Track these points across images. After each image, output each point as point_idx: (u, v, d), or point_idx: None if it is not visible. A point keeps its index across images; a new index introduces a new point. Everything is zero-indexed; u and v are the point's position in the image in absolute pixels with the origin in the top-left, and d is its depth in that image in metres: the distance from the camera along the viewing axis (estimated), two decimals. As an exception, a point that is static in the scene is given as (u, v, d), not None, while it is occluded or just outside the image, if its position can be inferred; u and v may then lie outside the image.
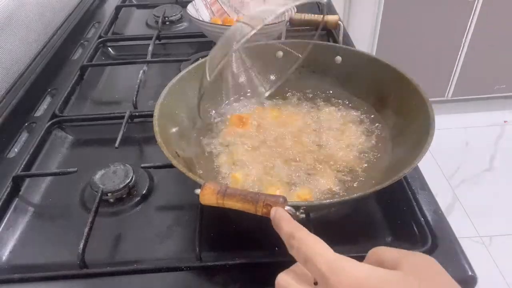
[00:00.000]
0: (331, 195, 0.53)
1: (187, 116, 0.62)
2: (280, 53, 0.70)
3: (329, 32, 0.93)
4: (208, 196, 0.41)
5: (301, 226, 0.35)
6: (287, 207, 0.38)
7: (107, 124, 0.72)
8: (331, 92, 0.69)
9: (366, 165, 0.57)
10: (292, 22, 0.79)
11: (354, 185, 0.54)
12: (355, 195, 0.46)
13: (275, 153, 0.58)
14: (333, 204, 0.45)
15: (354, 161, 0.57)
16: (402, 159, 0.52)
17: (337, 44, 0.77)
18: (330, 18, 0.77)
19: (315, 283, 0.34)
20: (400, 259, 0.32)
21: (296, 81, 0.70)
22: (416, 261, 0.32)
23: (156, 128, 0.52)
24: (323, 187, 0.53)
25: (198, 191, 0.42)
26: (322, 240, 0.33)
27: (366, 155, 0.58)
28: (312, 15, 0.80)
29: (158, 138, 0.51)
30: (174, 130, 0.58)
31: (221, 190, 0.41)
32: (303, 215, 0.40)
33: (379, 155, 0.58)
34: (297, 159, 0.57)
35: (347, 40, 0.91)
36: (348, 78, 0.68)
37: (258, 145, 0.60)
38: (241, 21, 0.51)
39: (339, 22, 0.77)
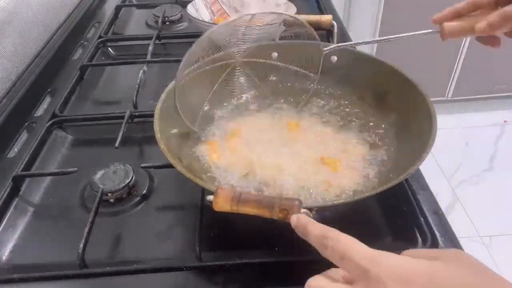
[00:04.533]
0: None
1: (186, 118, 0.61)
2: (275, 54, 0.70)
3: (329, 32, 0.93)
4: (222, 203, 0.40)
5: (331, 228, 0.35)
6: (302, 210, 0.38)
7: (107, 124, 0.72)
8: (328, 91, 0.69)
9: (368, 163, 0.57)
10: (286, 24, 0.79)
11: (360, 183, 0.54)
12: (366, 194, 0.46)
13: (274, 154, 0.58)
14: (343, 205, 0.45)
15: (356, 159, 0.57)
16: (407, 156, 0.52)
17: (331, 44, 0.77)
18: (324, 18, 0.77)
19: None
20: (434, 253, 0.32)
21: (291, 82, 0.70)
22: (450, 253, 0.32)
23: (158, 135, 0.52)
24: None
25: (211, 197, 0.41)
26: (357, 239, 0.33)
27: (368, 153, 0.58)
28: (307, 15, 0.80)
29: (162, 145, 0.50)
30: (174, 134, 0.58)
31: (235, 196, 0.40)
32: (314, 213, 0.40)
33: (382, 152, 0.58)
34: (297, 159, 0.57)
35: (345, 39, 0.91)
36: (345, 78, 0.68)
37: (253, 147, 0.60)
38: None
39: (333, 21, 0.77)
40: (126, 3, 1.18)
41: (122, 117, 0.69)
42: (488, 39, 0.53)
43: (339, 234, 0.34)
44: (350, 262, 0.32)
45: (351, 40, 0.92)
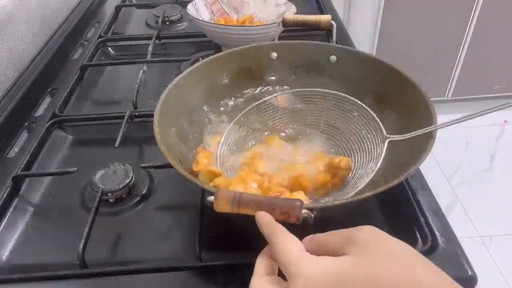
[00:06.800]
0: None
1: (185, 118, 0.62)
2: (274, 54, 0.69)
3: (329, 32, 0.93)
4: (222, 205, 0.40)
5: (276, 228, 0.37)
6: (304, 211, 0.39)
7: (107, 124, 0.72)
8: (327, 91, 0.69)
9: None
10: (285, 23, 0.78)
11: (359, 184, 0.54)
12: (366, 194, 0.46)
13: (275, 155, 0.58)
14: (344, 205, 0.46)
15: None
16: (407, 156, 0.52)
17: (330, 44, 0.77)
18: (323, 18, 0.77)
19: None
20: (343, 243, 0.34)
21: (291, 82, 0.70)
22: (359, 237, 0.34)
23: (158, 136, 0.51)
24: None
25: (211, 198, 0.41)
26: (290, 239, 0.36)
27: (369, 153, 0.58)
28: (306, 15, 0.79)
29: (162, 146, 0.50)
30: (174, 134, 0.57)
31: (236, 198, 0.40)
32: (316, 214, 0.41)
33: (382, 153, 0.58)
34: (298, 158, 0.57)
35: (345, 39, 0.91)
36: (344, 78, 0.68)
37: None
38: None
39: (332, 21, 0.77)
40: (126, 3, 1.18)
41: (122, 117, 0.69)
42: None
43: (277, 236, 0.36)
44: (282, 266, 0.35)
45: (351, 40, 0.92)
